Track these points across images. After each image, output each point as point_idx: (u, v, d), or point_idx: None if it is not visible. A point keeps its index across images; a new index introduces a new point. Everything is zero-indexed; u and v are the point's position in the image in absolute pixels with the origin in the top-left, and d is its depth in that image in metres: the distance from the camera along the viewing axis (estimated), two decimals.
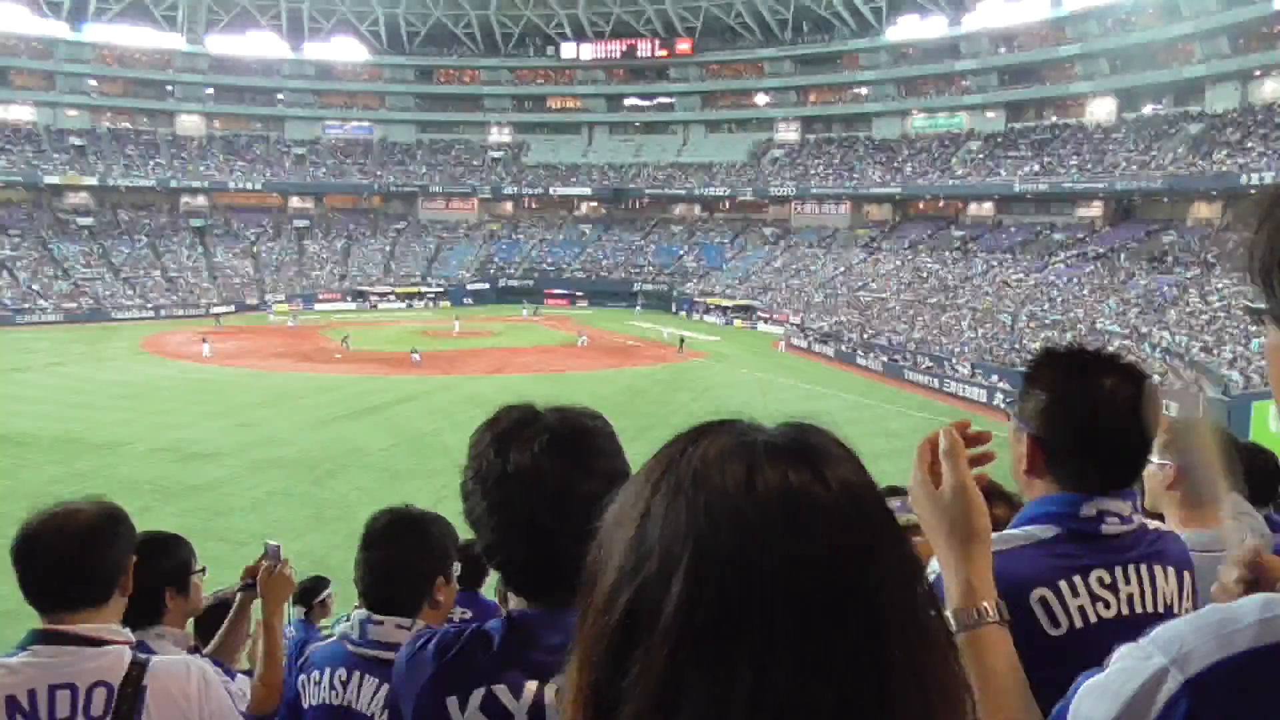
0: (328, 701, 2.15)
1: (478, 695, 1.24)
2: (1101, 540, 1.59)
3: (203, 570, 2.75)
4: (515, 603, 1.33)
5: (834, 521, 0.59)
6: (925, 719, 0.58)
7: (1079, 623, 1.53)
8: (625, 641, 0.60)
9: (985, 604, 1.22)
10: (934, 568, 1.38)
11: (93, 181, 61.88)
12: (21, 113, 63.30)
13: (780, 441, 0.63)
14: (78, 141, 63.50)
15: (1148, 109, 51.40)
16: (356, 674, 2.14)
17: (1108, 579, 1.57)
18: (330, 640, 2.27)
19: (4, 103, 62.46)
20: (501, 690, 1.24)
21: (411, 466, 22.34)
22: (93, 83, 65.61)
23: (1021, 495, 1.76)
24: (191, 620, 2.92)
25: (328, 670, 2.18)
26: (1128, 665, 0.84)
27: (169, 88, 68.16)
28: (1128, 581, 1.60)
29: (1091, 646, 1.15)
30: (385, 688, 2.08)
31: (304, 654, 2.32)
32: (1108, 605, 1.56)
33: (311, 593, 4.78)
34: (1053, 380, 1.65)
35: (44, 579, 1.96)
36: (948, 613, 1.22)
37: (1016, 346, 37.10)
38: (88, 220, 61.75)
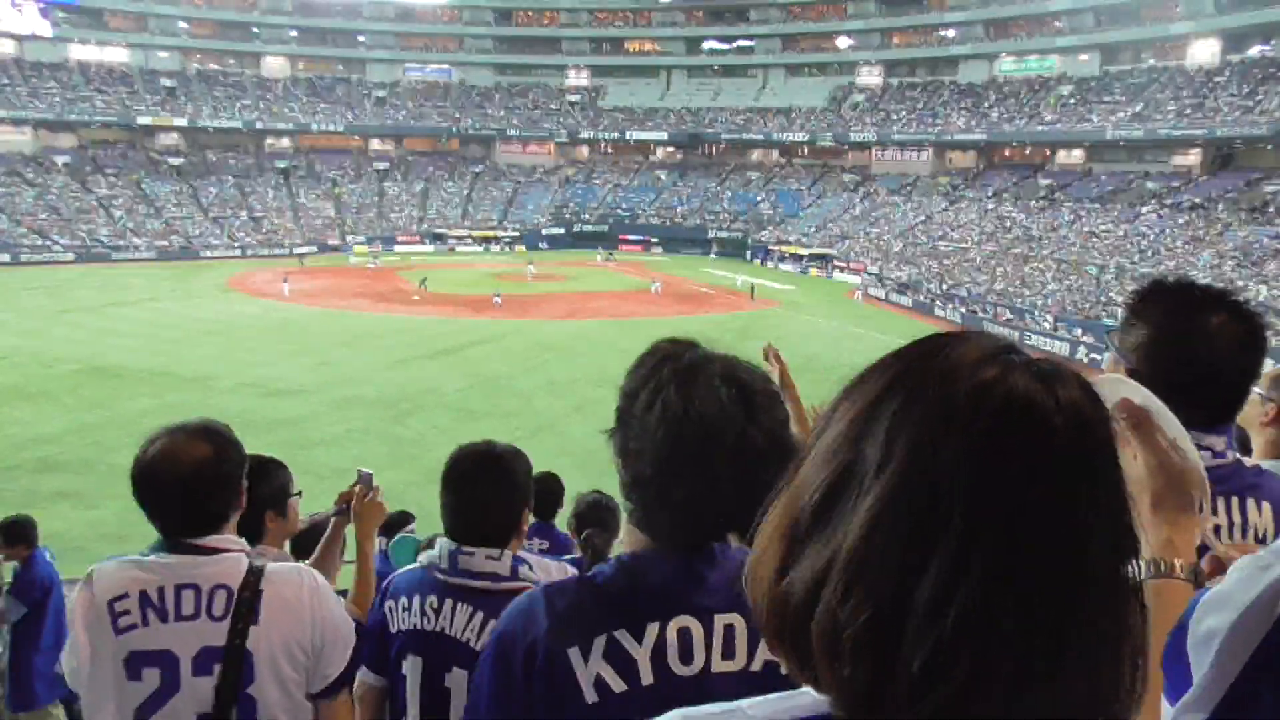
0: (419, 627, 2.17)
1: (599, 643, 1.21)
2: None
3: (299, 494, 2.88)
4: (632, 543, 1.30)
5: (1063, 447, 0.58)
6: (1089, 657, 0.58)
7: None
8: (830, 496, 0.62)
9: (1179, 561, 1.18)
10: None
11: (183, 122, 63.58)
12: (116, 54, 65.05)
13: (1034, 363, 0.62)
14: (168, 83, 65.08)
15: (1254, 50, 48.58)
16: (449, 601, 2.16)
17: None
18: (413, 568, 2.29)
19: (100, 44, 64.26)
20: (622, 635, 1.21)
21: (486, 407, 22.80)
22: (183, 24, 66.98)
23: None
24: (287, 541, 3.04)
25: (416, 597, 2.19)
26: (1247, 575, 0.83)
27: (254, 29, 69.29)
28: (1214, 513, 1.56)
29: None
30: (480, 615, 2.13)
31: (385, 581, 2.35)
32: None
33: (398, 525, 5.09)
34: (1157, 315, 1.60)
35: (165, 512, 2.07)
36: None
37: (1103, 299, 35.97)
38: (178, 160, 63.55)
